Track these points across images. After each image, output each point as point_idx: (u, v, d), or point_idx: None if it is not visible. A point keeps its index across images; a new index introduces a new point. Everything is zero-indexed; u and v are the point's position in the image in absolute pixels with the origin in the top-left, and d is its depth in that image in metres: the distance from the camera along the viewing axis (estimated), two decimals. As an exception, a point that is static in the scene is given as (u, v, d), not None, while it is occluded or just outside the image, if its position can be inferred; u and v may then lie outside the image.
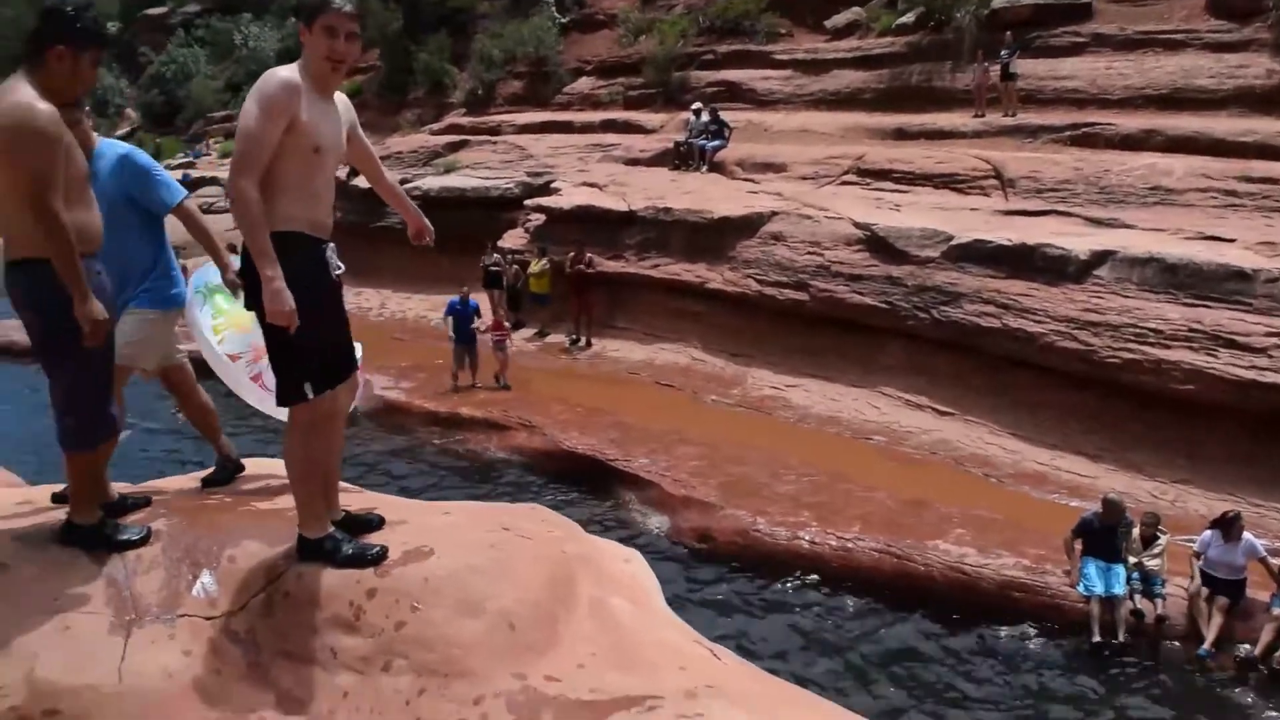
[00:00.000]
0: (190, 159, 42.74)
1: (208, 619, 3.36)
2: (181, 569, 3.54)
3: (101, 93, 51.93)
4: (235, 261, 4.11)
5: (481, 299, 19.67)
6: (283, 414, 3.88)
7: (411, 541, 3.48)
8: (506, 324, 15.95)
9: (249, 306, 3.46)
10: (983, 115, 18.56)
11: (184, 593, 3.44)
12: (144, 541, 3.64)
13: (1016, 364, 12.63)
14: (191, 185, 38.24)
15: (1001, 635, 8.84)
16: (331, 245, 3.49)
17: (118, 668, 3.17)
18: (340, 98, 3.55)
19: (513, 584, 3.34)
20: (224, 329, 4.85)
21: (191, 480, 4.74)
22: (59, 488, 4.76)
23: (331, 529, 3.50)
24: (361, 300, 19.73)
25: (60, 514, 3.78)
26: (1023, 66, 18.21)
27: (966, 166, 16.05)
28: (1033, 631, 8.86)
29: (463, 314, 15.64)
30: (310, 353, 3.36)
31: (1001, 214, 14.50)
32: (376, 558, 3.41)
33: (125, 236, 4.14)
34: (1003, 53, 18.09)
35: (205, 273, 4.76)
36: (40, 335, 3.57)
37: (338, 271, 3.49)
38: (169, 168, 41.40)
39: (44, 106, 3.30)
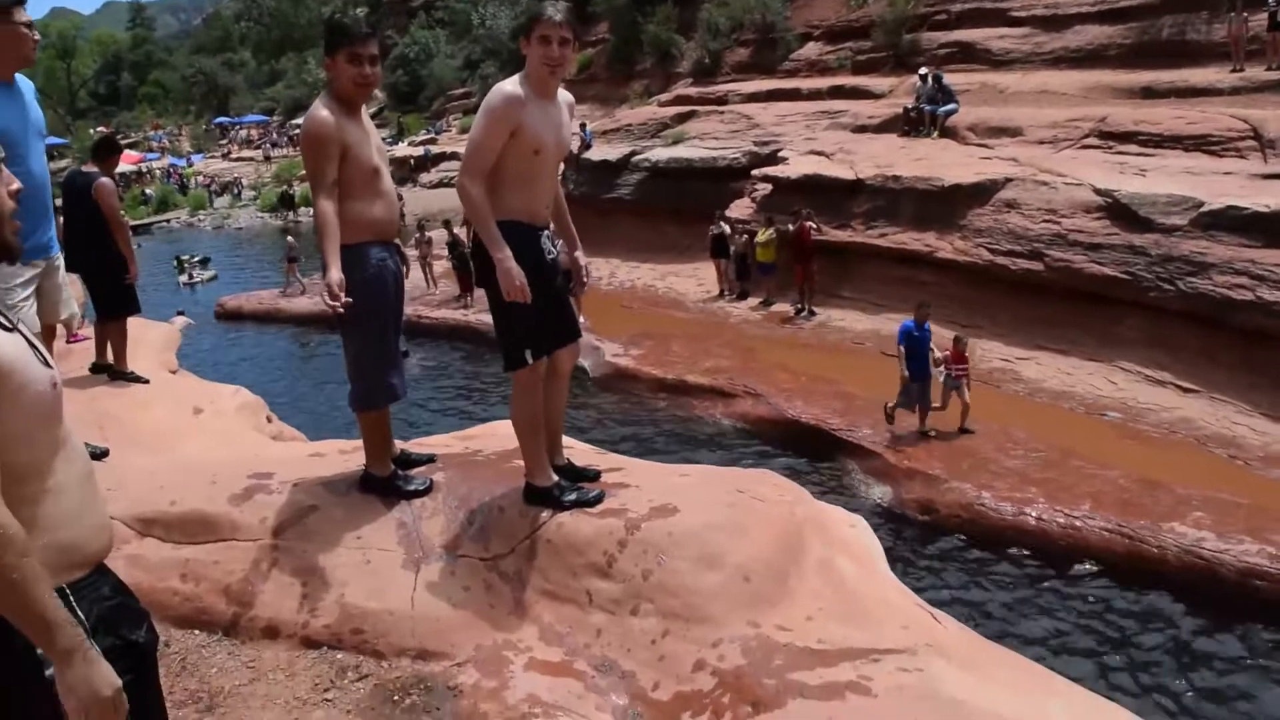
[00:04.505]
0: (431, 135, 45.30)
1: (482, 560, 3.89)
2: (459, 516, 4.09)
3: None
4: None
5: (707, 267, 20.13)
6: None
7: (657, 499, 3.89)
8: (968, 355, 12.47)
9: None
10: (1241, 70, 17.35)
11: (462, 536, 3.99)
12: (428, 491, 4.22)
13: (1271, 338, 11.88)
14: (433, 160, 40.67)
15: (1239, 624, 8.50)
16: (547, 232, 3.99)
17: (410, 597, 3.75)
18: (564, 95, 3.99)
19: (748, 541, 3.70)
20: None
21: (456, 439, 5.35)
22: (337, 442, 5.49)
23: (556, 478, 3.98)
24: (591, 269, 20.47)
25: (354, 463, 4.42)
26: (1291, 15, 16.87)
27: (1221, 127, 15.09)
28: (1275, 623, 8.47)
29: (920, 340, 12.22)
30: (529, 323, 3.82)
31: (1259, 178, 13.61)
32: (595, 501, 3.91)
33: (41, 167, 4.75)
34: (1271, 0, 16.76)
35: None
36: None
37: (551, 255, 3.95)
38: (412, 144, 44.18)
39: (322, 115, 3.90)
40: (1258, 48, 17.33)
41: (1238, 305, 12.16)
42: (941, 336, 12.61)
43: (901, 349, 12.16)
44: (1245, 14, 17.35)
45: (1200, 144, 15.10)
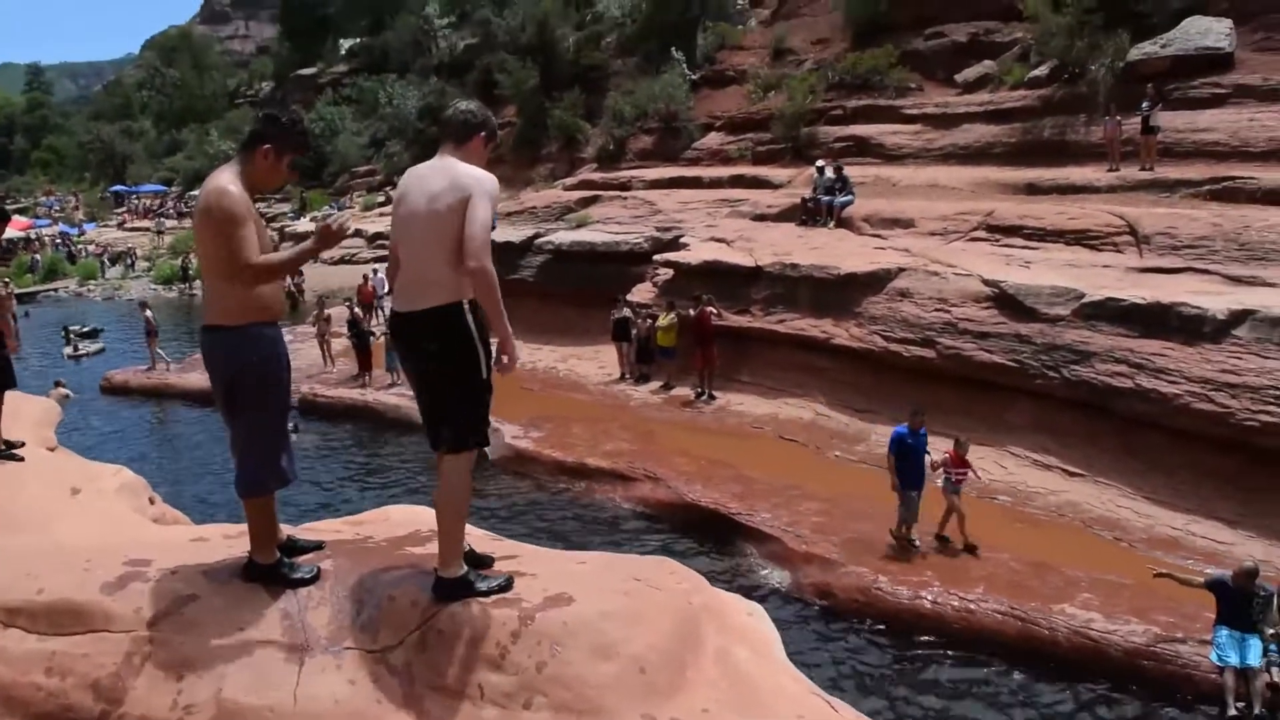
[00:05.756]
0: (334, 211, 44.80)
1: (370, 652, 3.74)
2: (347, 606, 3.94)
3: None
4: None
5: (609, 350, 20.19)
6: None
7: (552, 588, 3.81)
8: (970, 461, 11.64)
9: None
10: (1117, 169, 18.31)
11: (350, 627, 3.84)
12: (315, 580, 4.06)
13: (1150, 425, 12.38)
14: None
15: (1128, 704, 8.69)
16: None
17: (293, 692, 3.57)
18: None
19: (644, 631, 3.64)
20: None
21: (346, 524, 5.20)
22: (222, 526, 5.28)
23: (467, 567, 3.87)
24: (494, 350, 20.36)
25: (239, 550, 4.25)
26: (1160, 119, 17.93)
27: (1099, 222, 15.83)
28: (1162, 702, 8.68)
29: (915, 448, 11.46)
30: (489, 396, 3.90)
31: (1135, 271, 14.31)
32: (507, 585, 3.84)
33: None
34: (1143, 105, 17.82)
35: None
36: (223, 393, 4.05)
37: None
38: (314, 219, 43.69)
39: (236, 190, 3.80)
40: (1132, 149, 18.35)
41: (1119, 392, 12.66)
42: (849, 427, 12.74)
43: (892, 458, 11.43)
44: (1119, 118, 18.38)
45: (1081, 238, 15.79)
